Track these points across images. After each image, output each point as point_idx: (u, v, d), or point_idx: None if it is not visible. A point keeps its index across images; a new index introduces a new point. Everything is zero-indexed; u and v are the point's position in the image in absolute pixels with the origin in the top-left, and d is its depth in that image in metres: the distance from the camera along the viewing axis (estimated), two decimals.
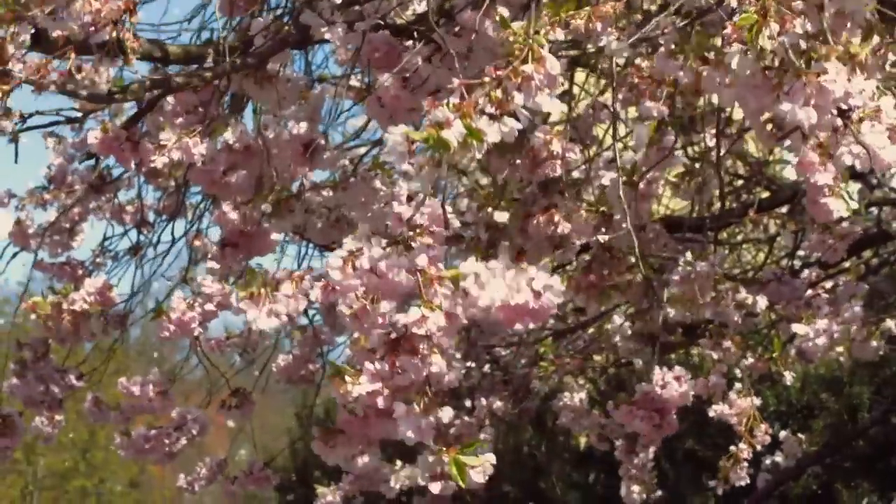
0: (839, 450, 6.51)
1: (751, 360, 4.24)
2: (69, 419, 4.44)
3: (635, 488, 4.31)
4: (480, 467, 2.06)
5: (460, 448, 2.06)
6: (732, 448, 3.97)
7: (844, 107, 2.07)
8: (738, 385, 4.13)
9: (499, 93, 1.95)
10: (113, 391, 4.63)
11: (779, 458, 5.78)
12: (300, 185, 3.36)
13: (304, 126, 3.05)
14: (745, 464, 3.98)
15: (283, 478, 9.65)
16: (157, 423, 4.12)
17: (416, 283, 2.11)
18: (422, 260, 2.10)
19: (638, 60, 3.26)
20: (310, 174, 3.29)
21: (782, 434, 5.70)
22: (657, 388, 3.18)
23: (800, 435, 5.70)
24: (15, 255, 4.17)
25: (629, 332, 4.69)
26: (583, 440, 7.55)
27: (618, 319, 5.08)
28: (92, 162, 3.83)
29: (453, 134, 1.88)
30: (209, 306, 3.06)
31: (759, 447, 3.96)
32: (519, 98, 1.98)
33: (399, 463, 5.08)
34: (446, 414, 2.07)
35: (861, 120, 2.10)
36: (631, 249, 3.31)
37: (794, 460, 5.68)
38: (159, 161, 2.87)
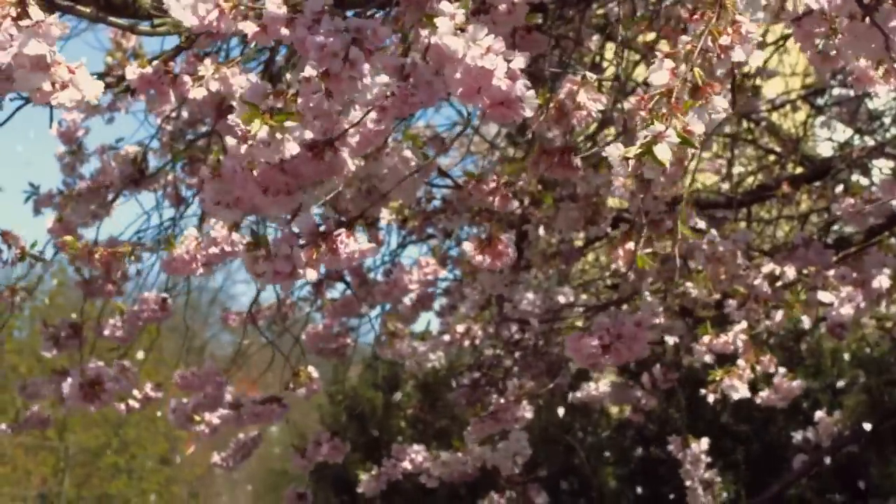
0: (875, 429, 6.48)
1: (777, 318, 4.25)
2: None
3: (701, 492, 4.40)
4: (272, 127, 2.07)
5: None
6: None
7: None
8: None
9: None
10: (146, 368, 4.65)
11: (810, 434, 5.76)
12: None
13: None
14: (744, 384, 3.99)
15: None
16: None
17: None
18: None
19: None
20: None
21: (817, 414, 5.68)
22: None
23: (836, 413, 5.69)
24: (56, 252, 4.18)
25: (660, 307, 4.67)
26: (614, 410, 7.56)
27: (648, 296, 5.07)
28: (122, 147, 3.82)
29: (664, 149, 1.83)
30: (214, 250, 3.04)
31: (760, 372, 4.00)
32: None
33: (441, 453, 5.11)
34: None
35: None
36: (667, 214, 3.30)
37: (830, 440, 5.66)
38: (197, 92, 2.85)
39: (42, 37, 1.95)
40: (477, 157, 6.36)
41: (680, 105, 1.81)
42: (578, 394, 5.39)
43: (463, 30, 2.03)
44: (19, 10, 1.94)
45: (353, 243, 2.40)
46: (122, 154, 4.17)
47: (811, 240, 4.22)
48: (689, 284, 4.06)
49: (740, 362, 4.02)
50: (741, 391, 3.97)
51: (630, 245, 3.40)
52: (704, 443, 4.70)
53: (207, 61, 2.88)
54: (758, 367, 4.06)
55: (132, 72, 2.92)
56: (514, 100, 2.03)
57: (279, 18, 2.13)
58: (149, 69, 2.90)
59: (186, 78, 2.88)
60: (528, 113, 2.05)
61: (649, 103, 1.79)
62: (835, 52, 2.18)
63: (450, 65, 2.00)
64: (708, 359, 4.38)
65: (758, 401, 4.44)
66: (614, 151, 1.85)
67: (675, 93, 1.81)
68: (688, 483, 4.67)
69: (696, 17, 1.93)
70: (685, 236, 3.14)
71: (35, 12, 1.94)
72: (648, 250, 3.36)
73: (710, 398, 4.02)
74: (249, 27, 2.15)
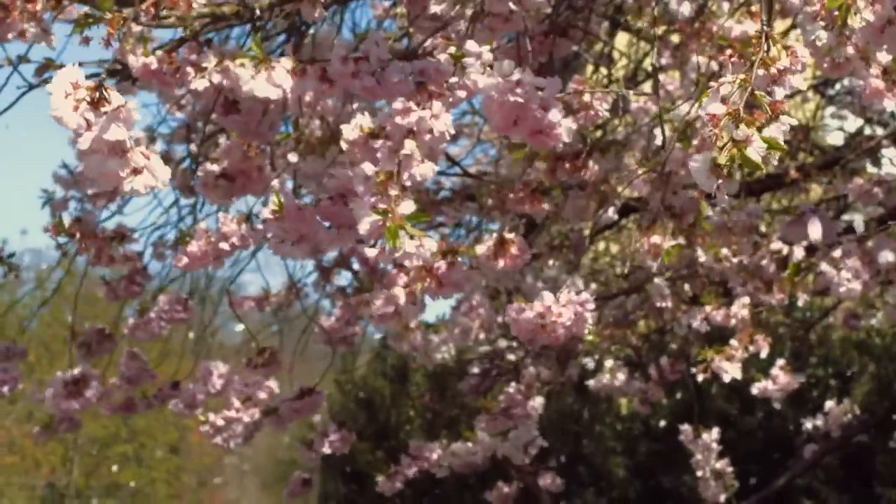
0: (886, 417, 6.48)
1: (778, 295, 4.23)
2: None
3: (713, 483, 4.40)
4: (417, 240, 2.01)
5: (406, 217, 2.01)
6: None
7: None
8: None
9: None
10: (153, 354, 4.66)
11: (819, 421, 5.76)
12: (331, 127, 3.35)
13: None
14: (737, 364, 3.98)
15: None
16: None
17: (417, 89, 2.11)
18: (426, 70, 2.10)
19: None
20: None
21: (827, 403, 5.68)
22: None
23: (845, 401, 5.68)
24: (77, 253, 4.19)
25: (667, 291, 4.67)
26: (623, 402, 7.56)
27: (657, 279, 5.06)
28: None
29: (756, 151, 1.81)
30: (224, 245, 3.04)
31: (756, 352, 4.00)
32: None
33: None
34: (407, 205, 2.03)
35: None
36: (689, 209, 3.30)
37: (839, 429, 5.66)
38: (200, 83, 2.85)
39: (122, 122, 1.93)
40: (487, 144, 6.36)
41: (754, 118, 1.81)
42: (593, 382, 5.38)
43: (491, 66, 2.07)
44: (97, 94, 1.93)
45: (456, 271, 2.42)
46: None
47: (818, 209, 4.20)
48: (699, 252, 4.05)
49: (733, 342, 4.01)
50: (732, 372, 3.95)
51: (655, 238, 3.40)
52: (715, 432, 4.69)
53: (210, 53, 2.88)
54: (751, 348, 4.04)
55: (135, 61, 2.92)
56: (550, 126, 2.06)
57: (345, 73, 2.23)
58: (152, 59, 2.90)
59: (189, 69, 2.87)
60: (566, 138, 2.07)
61: (719, 122, 1.79)
62: (844, 59, 2.20)
63: (486, 102, 2.03)
64: (703, 328, 4.37)
65: (754, 391, 4.42)
66: (701, 161, 1.84)
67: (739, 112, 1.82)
68: (699, 473, 4.65)
69: (733, 58, 1.93)
70: (704, 231, 3.14)
71: (115, 97, 1.94)
72: (673, 243, 3.36)
73: (700, 377, 4.02)
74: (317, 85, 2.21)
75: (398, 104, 2.10)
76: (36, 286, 18.95)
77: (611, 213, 4.06)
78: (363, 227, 2.00)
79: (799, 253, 4.09)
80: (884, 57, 2.17)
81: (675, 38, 4.01)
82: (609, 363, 5.37)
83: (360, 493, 9.04)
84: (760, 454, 6.77)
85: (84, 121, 1.92)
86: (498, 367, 5.06)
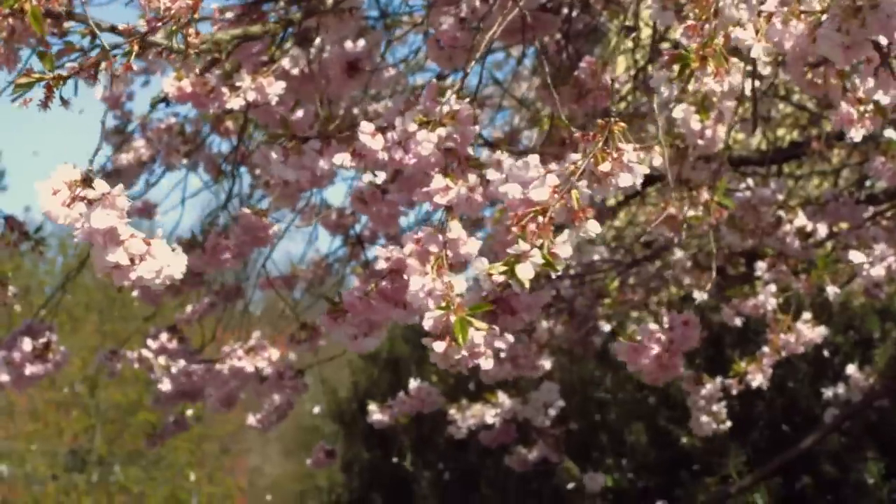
0: None
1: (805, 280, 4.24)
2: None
3: (704, 419, 4.32)
4: (483, 331, 2.02)
5: (468, 309, 2.02)
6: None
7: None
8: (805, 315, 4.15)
9: None
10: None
11: (841, 389, 5.76)
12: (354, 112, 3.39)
13: (349, 44, 3.08)
14: (768, 370, 4.01)
15: (345, 410, 9.73)
16: None
17: (441, 159, 2.14)
18: (451, 138, 2.14)
19: None
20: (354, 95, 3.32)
21: (849, 368, 5.68)
22: None
23: (866, 367, 5.68)
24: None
25: (689, 263, 4.69)
26: None
27: (679, 253, 5.08)
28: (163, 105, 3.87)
29: (526, 270, 1.86)
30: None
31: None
32: None
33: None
34: (459, 284, 2.06)
35: None
36: (706, 181, 3.31)
37: (861, 394, 5.66)
38: (235, 103, 2.90)
39: (109, 208, 1.94)
40: (508, 111, 6.37)
41: (550, 226, 1.83)
42: (616, 345, 5.38)
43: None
44: (85, 185, 1.95)
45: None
46: (166, 126, 4.21)
47: (842, 196, 4.22)
48: (722, 229, 4.06)
49: (765, 349, 4.03)
50: (760, 381, 4.01)
51: (671, 211, 3.41)
52: (719, 382, 4.62)
53: (244, 71, 2.93)
54: (782, 353, 4.07)
55: (170, 85, 2.97)
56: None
57: (373, 150, 2.32)
58: (186, 82, 2.94)
59: (224, 89, 2.91)
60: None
61: (522, 220, 1.82)
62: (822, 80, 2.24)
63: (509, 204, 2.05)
64: (738, 322, 4.39)
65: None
66: (481, 266, 1.90)
67: (550, 212, 1.83)
68: (694, 413, 4.50)
69: (587, 136, 1.93)
70: (723, 204, 3.16)
71: (99, 185, 1.94)
72: (692, 213, 3.38)
73: (735, 390, 4.05)
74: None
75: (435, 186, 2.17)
76: (58, 251, 19.05)
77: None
78: (427, 324, 2.02)
79: (822, 230, 4.09)
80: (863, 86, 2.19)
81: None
82: (631, 328, 5.38)
83: (382, 459, 9.08)
84: (780, 419, 6.77)
85: (77, 214, 1.94)
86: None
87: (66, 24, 2.50)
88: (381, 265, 2.26)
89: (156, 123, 4.35)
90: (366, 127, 2.37)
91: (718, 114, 3.29)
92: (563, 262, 1.84)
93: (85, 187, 1.95)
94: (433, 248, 2.10)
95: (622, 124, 1.92)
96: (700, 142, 3.27)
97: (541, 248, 1.83)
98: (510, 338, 2.07)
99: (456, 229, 2.12)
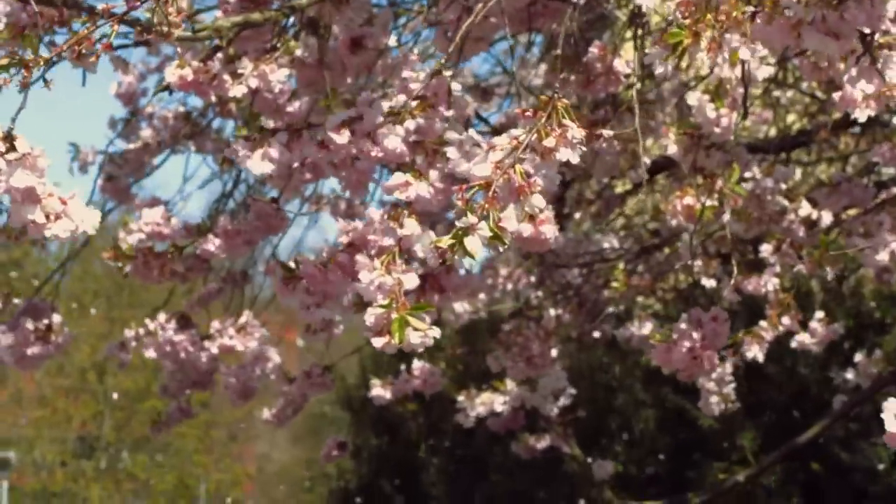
0: None
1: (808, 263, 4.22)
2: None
3: (714, 399, 4.30)
4: (422, 331, 2.05)
5: (410, 308, 2.06)
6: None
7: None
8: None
9: None
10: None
11: (850, 375, 5.75)
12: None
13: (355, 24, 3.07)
14: (765, 344, 4.00)
15: (354, 397, 9.72)
16: None
17: (408, 151, 2.15)
18: (419, 131, 2.14)
19: None
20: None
21: (857, 356, 5.67)
22: None
23: (876, 352, 5.67)
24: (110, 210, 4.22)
25: (699, 250, 4.67)
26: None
27: (687, 238, 5.05)
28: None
29: (474, 243, 1.85)
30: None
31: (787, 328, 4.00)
32: None
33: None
34: (409, 280, 2.09)
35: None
36: (722, 168, 3.30)
37: (869, 380, 5.65)
38: (238, 90, 2.89)
39: (30, 168, 1.98)
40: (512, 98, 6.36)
41: (497, 199, 1.82)
42: (622, 331, 5.38)
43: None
44: (7, 144, 1.98)
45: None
46: (173, 111, 4.22)
47: (852, 179, 4.20)
48: (726, 217, 4.04)
49: (763, 323, 4.02)
50: (755, 353, 3.98)
51: (688, 200, 3.40)
52: (729, 365, 4.59)
53: (246, 59, 2.92)
54: (780, 328, 4.05)
55: (172, 73, 2.96)
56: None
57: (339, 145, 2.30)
58: (188, 70, 2.93)
59: (226, 76, 2.91)
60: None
61: (467, 194, 1.81)
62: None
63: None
64: (734, 299, 4.36)
65: (793, 345, 4.42)
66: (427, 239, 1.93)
67: (494, 187, 1.82)
68: (703, 395, 4.47)
69: (528, 113, 1.91)
70: (735, 192, 3.14)
71: (21, 145, 1.98)
72: (708, 203, 3.37)
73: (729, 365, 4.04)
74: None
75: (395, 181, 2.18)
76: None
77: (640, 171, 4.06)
78: (368, 319, 2.06)
79: (827, 218, 4.08)
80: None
81: None
82: (634, 324, 5.37)
83: (391, 445, 9.09)
84: (790, 404, 6.78)
85: None
86: (528, 318, 5.07)
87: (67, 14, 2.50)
88: (342, 238, 2.28)
89: (161, 111, 4.36)
90: (332, 120, 2.38)
91: (732, 101, 3.28)
92: (509, 236, 1.83)
93: (7, 145, 1.99)
94: (387, 242, 2.12)
95: (565, 101, 1.91)
96: (717, 129, 3.26)
97: (487, 220, 1.82)
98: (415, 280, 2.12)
99: (410, 226, 2.13)
